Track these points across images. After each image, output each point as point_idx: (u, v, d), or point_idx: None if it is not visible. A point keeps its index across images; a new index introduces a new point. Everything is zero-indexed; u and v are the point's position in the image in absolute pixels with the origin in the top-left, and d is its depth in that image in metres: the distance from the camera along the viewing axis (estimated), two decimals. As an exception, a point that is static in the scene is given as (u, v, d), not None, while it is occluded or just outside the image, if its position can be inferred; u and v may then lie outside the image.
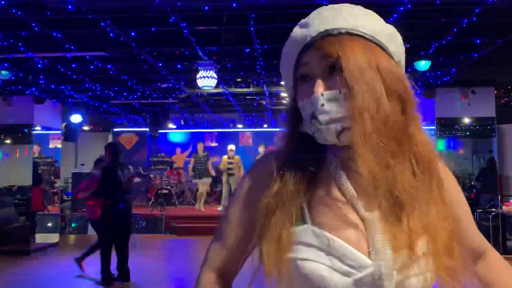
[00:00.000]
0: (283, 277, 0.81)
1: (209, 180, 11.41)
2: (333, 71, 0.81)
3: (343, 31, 0.82)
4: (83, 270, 6.13)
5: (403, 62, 0.90)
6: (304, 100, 0.83)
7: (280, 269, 0.81)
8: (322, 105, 0.80)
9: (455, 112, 8.64)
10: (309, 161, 0.86)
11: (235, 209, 0.96)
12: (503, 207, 7.58)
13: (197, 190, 11.81)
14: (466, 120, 8.73)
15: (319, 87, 0.81)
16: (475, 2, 4.99)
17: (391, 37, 0.86)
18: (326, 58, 0.81)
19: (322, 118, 0.80)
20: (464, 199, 0.96)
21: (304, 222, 0.82)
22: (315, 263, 0.78)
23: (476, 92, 8.39)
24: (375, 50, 0.82)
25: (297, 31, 0.87)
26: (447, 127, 8.78)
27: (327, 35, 0.82)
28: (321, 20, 0.84)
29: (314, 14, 0.87)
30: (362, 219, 0.81)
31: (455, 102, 8.57)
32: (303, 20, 0.88)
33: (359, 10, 0.86)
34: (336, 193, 0.84)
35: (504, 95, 9.67)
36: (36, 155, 9.74)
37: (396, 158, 0.79)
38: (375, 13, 0.88)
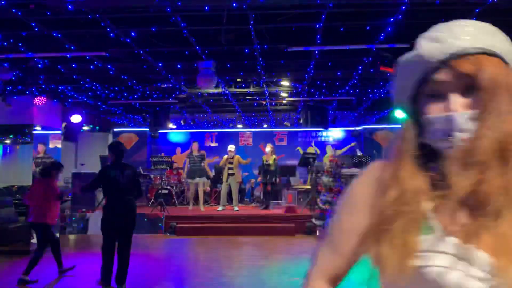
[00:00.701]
0: (405, 284, 0.82)
1: (203, 180, 11.32)
2: (469, 90, 0.82)
3: (480, 50, 0.82)
4: (35, 280, 5.78)
5: None
6: (437, 116, 0.84)
7: (402, 275, 0.81)
8: (463, 124, 0.81)
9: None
10: (427, 168, 0.87)
11: (348, 215, 0.96)
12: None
13: (188, 190, 11.81)
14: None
15: (459, 106, 0.82)
16: (475, 2, 5.00)
17: None
18: (463, 77, 0.82)
19: (462, 136, 0.81)
20: None
21: (430, 229, 0.83)
22: (449, 269, 0.79)
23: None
24: (509, 70, 0.84)
25: (426, 46, 0.86)
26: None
27: (463, 54, 0.82)
28: (453, 36, 0.84)
29: (443, 29, 0.86)
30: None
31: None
32: (430, 34, 0.87)
33: (486, 27, 0.87)
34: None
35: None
36: (42, 154, 9.70)
37: (501, 174, 0.79)
38: (499, 29, 0.88)
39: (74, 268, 6.24)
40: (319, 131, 15.31)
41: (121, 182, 5.34)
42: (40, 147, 9.63)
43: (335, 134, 15.54)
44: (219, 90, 9.44)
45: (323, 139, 15.67)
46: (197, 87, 7.90)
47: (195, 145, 11.51)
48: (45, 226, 5.97)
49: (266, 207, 11.32)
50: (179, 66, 7.78)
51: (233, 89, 9.64)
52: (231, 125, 15.70)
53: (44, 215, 5.92)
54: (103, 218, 5.37)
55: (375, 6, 5.37)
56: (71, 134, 11.16)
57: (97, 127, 14.90)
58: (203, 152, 12.01)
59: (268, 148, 11.46)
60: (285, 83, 9.48)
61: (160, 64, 7.52)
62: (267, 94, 10.25)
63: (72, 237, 9.91)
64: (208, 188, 12.87)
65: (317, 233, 9.49)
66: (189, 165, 11.31)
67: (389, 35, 6.06)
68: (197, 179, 11.18)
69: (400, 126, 0.95)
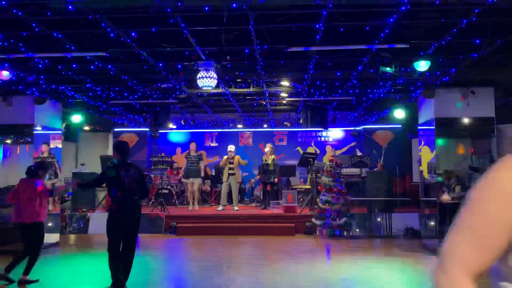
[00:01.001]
0: None
1: (197, 180, 11.32)
2: None
3: None
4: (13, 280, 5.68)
5: None
6: None
7: None
8: None
9: (454, 112, 8.65)
10: None
11: (499, 207, 0.91)
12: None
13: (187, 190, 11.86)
14: (466, 120, 8.74)
15: None
16: (475, 2, 5.00)
17: None
18: None
19: None
20: None
21: None
22: None
23: (475, 92, 8.40)
24: None
25: None
26: (446, 127, 8.79)
27: None
28: None
29: None
30: None
31: (454, 102, 8.58)
32: None
33: None
34: None
35: (504, 95, 9.68)
36: (46, 154, 9.67)
37: None
38: None
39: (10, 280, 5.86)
40: (319, 131, 15.32)
41: (127, 182, 5.22)
42: (44, 147, 9.59)
43: (335, 134, 15.55)
44: (219, 90, 9.44)
45: (323, 139, 15.67)
46: (197, 87, 7.89)
47: (192, 145, 11.59)
48: (40, 225, 5.99)
49: (266, 207, 11.33)
50: (179, 66, 7.78)
51: (233, 89, 9.64)
52: (231, 125, 15.70)
53: (38, 214, 5.93)
54: (109, 219, 5.25)
55: (375, 6, 5.37)
56: (71, 134, 11.17)
57: (98, 127, 14.91)
58: (201, 152, 12.05)
59: (267, 148, 11.51)
60: (285, 83, 9.48)
61: (160, 65, 7.53)
62: (267, 94, 10.25)
63: (72, 237, 9.91)
64: (208, 188, 12.88)
65: (317, 233, 9.50)
66: (187, 165, 11.37)
67: (389, 35, 6.07)
68: (191, 179, 11.23)
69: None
